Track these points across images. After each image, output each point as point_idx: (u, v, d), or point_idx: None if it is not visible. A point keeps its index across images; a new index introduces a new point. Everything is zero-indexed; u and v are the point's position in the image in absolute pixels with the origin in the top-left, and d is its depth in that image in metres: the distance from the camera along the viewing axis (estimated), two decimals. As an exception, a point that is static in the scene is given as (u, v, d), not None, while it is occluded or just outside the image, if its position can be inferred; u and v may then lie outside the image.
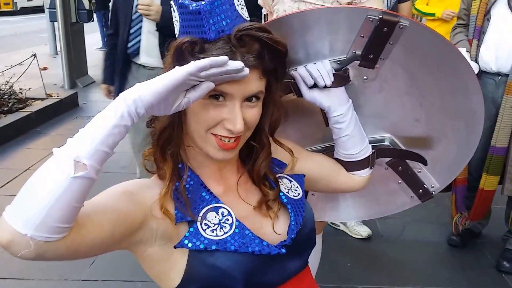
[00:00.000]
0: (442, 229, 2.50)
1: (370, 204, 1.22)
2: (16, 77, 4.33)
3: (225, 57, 0.65)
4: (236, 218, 0.76)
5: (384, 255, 2.34)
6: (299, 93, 0.98)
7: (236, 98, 0.72)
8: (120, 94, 0.64)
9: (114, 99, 1.71)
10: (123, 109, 0.62)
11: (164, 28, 2.02)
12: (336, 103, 0.96)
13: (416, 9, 3.52)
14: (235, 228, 0.75)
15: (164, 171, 0.77)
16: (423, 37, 0.94)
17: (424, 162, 1.10)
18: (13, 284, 2.03)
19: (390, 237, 2.48)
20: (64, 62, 5.21)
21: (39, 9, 11.77)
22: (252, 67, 0.71)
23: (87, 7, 5.29)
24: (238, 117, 0.72)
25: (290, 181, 0.88)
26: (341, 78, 0.97)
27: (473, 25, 2.08)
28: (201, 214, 0.75)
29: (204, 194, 0.78)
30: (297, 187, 0.88)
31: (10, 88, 4.28)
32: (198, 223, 0.74)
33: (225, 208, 0.77)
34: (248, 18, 0.78)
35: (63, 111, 4.56)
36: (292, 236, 0.79)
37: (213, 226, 0.74)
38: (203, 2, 0.72)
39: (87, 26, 5.71)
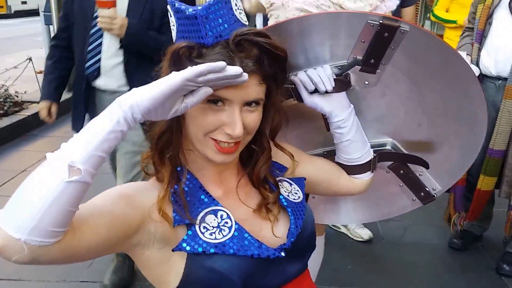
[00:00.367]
0: (443, 231, 2.50)
1: (371, 207, 1.22)
2: (11, 81, 4.30)
3: (222, 63, 0.65)
4: (235, 221, 0.76)
5: (385, 258, 2.33)
6: (300, 99, 0.98)
7: (235, 103, 0.72)
8: (116, 100, 0.63)
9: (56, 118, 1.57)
10: (119, 114, 0.62)
11: (130, 45, 1.73)
12: (337, 108, 0.96)
13: (434, 15, 3.17)
14: (234, 231, 0.75)
15: (162, 174, 0.76)
16: (424, 42, 0.94)
17: (426, 166, 1.10)
18: (9, 285, 2.02)
19: (391, 240, 2.48)
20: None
21: (33, 12, 11.70)
22: (251, 73, 0.71)
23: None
24: (237, 122, 0.71)
25: (291, 184, 0.87)
26: (342, 83, 0.97)
27: (476, 29, 2.10)
28: (199, 217, 0.75)
29: (203, 197, 0.77)
30: (297, 190, 0.88)
31: (5, 91, 4.24)
32: (197, 226, 0.74)
33: (224, 211, 0.76)
34: (247, 23, 0.77)
35: (60, 114, 4.48)
36: (292, 239, 0.79)
37: (212, 229, 0.74)
38: (199, 7, 0.71)
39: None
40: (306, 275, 0.87)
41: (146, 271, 0.78)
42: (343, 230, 2.50)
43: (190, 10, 0.71)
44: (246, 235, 0.75)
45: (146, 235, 0.73)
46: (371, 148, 1.04)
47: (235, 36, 0.71)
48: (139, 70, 1.74)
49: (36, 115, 4.26)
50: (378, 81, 1.00)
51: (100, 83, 1.83)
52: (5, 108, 4.07)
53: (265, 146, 0.82)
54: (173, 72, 0.64)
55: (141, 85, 0.65)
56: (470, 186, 2.17)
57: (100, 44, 1.77)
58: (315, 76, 0.94)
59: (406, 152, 1.11)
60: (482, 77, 2.10)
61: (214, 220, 0.75)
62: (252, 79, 0.71)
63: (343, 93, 0.97)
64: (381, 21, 0.90)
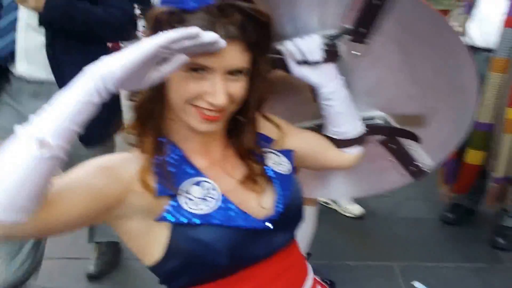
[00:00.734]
0: (435, 206, 2.49)
1: (362, 182, 1.21)
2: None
3: (195, 29, 0.60)
4: (221, 193, 0.75)
5: (376, 233, 2.33)
6: (287, 69, 0.95)
7: (217, 71, 0.69)
8: (84, 70, 0.60)
9: None
10: (90, 85, 0.58)
11: (51, 22, 1.35)
12: (325, 79, 0.94)
13: None
14: (220, 202, 0.74)
15: (145, 145, 0.75)
16: (416, 10, 0.91)
17: (417, 140, 1.08)
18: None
19: (382, 215, 2.47)
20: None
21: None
22: (234, 39, 0.68)
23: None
24: (219, 91, 0.69)
25: (278, 156, 0.86)
26: (331, 53, 0.94)
27: None
28: (184, 188, 0.73)
29: (187, 168, 0.76)
30: (286, 162, 0.86)
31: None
32: (181, 197, 0.72)
33: (209, 182, 0.75)
34: None
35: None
36: (279, 210, 0.78)
37: (197, 200, 0.73)
38: None
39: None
40: (294, 247, 0.86)
41: (130, 243, 0.77)
42: (333, 206, 2.49)
43: None
44: (231, 206, 0.74)
45: (128, 207, 0.72)
46: (361, 120, 1.02)
47: (218, 0, 0.68)
48: (67, 55, 1.38)
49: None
50: (368, 52, 0.98)
51: (20, 69, 1.41)
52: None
53: (251, 116, 0.80)
54: (145, 39, 0.61)
55: (71, 75, 0.59)
56: (459, 159, 2.14)
57: (15, 20, 1.37)
58: (303, 46, 0.91)
59: (397, 125, 1.09)
60: (471, 49, 2.04)
61: (199, 191, 0.74)
62: (234, 46, 0.69)
63: (332, 64, 0.95)
64: None
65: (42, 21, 1.35)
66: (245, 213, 0.75)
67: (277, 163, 0.84)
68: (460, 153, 2.14)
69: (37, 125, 0.57)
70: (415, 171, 1.13)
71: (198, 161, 0.78)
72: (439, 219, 2.42)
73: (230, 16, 0.68)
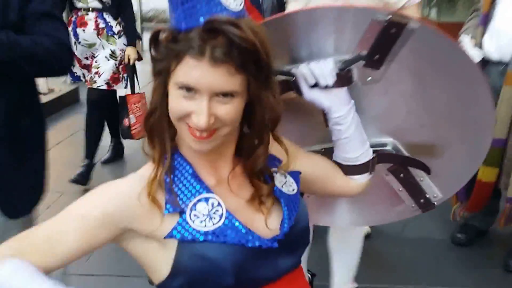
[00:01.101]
0: (445, 226, 2.43)
1: (367, 211, 1.19)
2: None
3: None
4: (226, 210, 0.75)
5: (384, 253, 2.29)
6: (299, 92, 0.95)
7: (203, 93, 0.69)
8: None
9: None
10: None
11: None
12: (337, 104, 0.94)
13: None
14: (224, 219, 0.74)
15: (155, 158, 0.76)
16: (433, 41, 0.90)
17: (427, 171, 1.07)
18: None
19: (390, 235, 2.41)
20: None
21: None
22: (221, 62, 0.68)
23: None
24: (203, 113, 0.69)
25: (285, 177, 0.85)
26: (344, 78, 0.94)
27: (481, 10, 2.02)
28: (190, 204, 0.74)
29: (195, 183, 0.76)
30: (292, 182, 0.86)
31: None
32: (187, 214, 0.73)
33: (215, 199, 0.75)
34: (238, 7, 0.72)
35: (64, 106, 4.55)
36: (285, 231, 0.77)
37: (202, 217, 0.73)
38: None
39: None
40: (299, 272, 0.85)
41: (138, 260, 0.78)
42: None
43: None
44: (237, 223, 0.74)
45: (130, 234, 0.74)
46: (371, 147, 1.00)
47: (205, 23, 0.68)
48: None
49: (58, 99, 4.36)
50: (382, 78, 0.97)
51: None
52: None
53: (264, 138, 0.80)
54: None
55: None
56: (474, 175, 2.06)
57: None
58: (316, 70, 0.92)
59: (407, 154, 1.07)
60: (486, 62, 2.02)
61: (205, 208, 0.74)
62: (222, 69, 0.68)
63: (344, 89, 0.95)
64: (388, 18, 0.88)
65: None
66: (251, 231, 0.75)
67: (284, 184, 0.84)
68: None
69: None
70: (424, 203, 1.10)
71: (206, 178, 0.78)
72: (449, 239, 2.35)
73: (216, 39, 0.68)
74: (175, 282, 0.74)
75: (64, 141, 3.77)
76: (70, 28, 2.84)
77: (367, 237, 2.34)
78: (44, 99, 4.30)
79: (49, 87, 4.60)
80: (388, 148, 1.08)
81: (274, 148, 0.84)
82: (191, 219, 0.73)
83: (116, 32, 2.93)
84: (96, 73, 2.91)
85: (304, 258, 1.62)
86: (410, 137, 1.06)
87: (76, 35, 2.91)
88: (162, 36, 0.72)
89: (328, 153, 1.04)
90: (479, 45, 2.00)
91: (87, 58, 2.99)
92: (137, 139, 3.01)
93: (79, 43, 2.93)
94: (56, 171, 3.19)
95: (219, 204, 0.75)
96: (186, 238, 0.72)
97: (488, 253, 2.26)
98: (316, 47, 0.94)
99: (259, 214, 0.79)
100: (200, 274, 0.72)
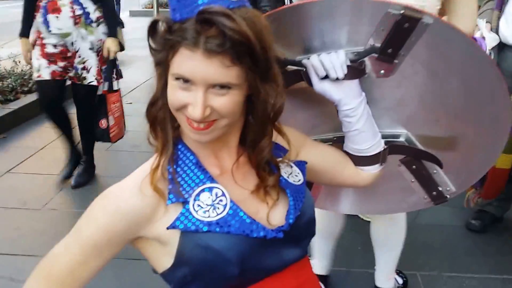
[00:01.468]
0: (460, 213, 2.41)
1: (378, 200, 1.18)
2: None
3: None
4: (230, 199, 0.74)
5: (398, 239, 2.25)
6: (310, 83, 0.94)
7: (198, 84, 0.68)
8: None
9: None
10: None
11: None
12: (347, 96, 0.92)
13: None
14: (229, 209, 0.73)
15: (157, 146, 0.76)
16: (448, 36, 0.89)
17: (440, 164, 1.05)
18: (18, 260, 2.07)
19: (405, 221, 2.39)
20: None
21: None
22: (215, 53, 0.66)
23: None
24: (198, 105, 0.69)
25: (291, 167, 0.84)
26: (356, 70, 0.93)
27: None
28: (194, 194, 0.73)
29: (199, 173, 0.75)
30: (298, 173, 0.84)
31: (30, 68, 4.33)
32: (191, 204, 0.72)
33: (219, 189, 0.74)
34: None
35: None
36: (290, 221, 0.76)
37: (206, 207, 0.72)
38: None
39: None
40: (306, 262, 0.84)
41: (142, 250, 0.78)
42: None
43: None
44: (241, 213, 0.73)
45: (136, 234, 0.75)
46: (384, 137, 0.99)
47: (199, 13, 0.67)
48: None
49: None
50: (395, 72, 0.96)
51: None
52: (29, 85, 4.17)
53: (267, 130, 0.78)
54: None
55: None
56: None
57: None
58: (327, 62, 0.90)
59: (420, 146, 1.06)
60: (502, 46, 1.97)
61: (209, 198, 0.73)
62: (215, 61, 0.67)
63: (356, 81, 0.93)
64: (402, 11, 0.86)
65: None
66: (256, 221, 0.74)
67: (290, 174, 0.83)
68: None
69: None
70: (436, 196, 1.10)
71: (210, 168, 0.77)
72: (464, 226, 2.34)
73: (210, 30, 0.66)
74: (178, 272, 0.74)
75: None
76: (39, 15, 2.45)
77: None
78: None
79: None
80: (401, 139, 1.06)
81: (280, 138, 0.83)
82: (194, 209, 0.72)
83: (94, 19, 2.48)
84: (83, 68, 2.51)
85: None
86: (424, 130, 1.05)
87: (46, 23, 2.43)
88: (157, 25, 0.71)
89: (339, 141, 1.03)
90: (495, 29, 1.95)
91: (55, 46, 2.48)
92: (115, 142, 2.75)
93: (50, 31, 2.44)
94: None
95: (223, 194, 0.74)
96: (190, 229, 0.71)
97: (503, 239, 2.24)
98: (329, 38, 0.93)
99: (264, 204, 0.78)
100: (204, 265, 0.72)
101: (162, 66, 0.72)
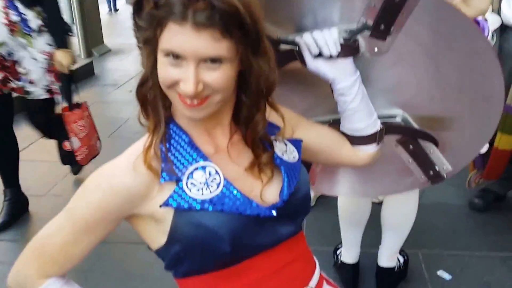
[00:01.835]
0: (464, 192, 2.40)
1: (376, 181, 1.19)
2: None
3: None
4: (224, 178, 0.74)
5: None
6: (304, 62, 0.93)
7: (189, 59, 0.67)
8: None
9: None
10: None
11: None
12: (341, 74, 0.92)
13: None
14: (222, 187, 0.73)
15: (149, 126, 0.76)
16: (439, 11, 0.87)
17: (435, 142, 1.05)
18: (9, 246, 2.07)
19: (408, 201, 2.39)
20: (79, 31, 5.20)
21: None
22: (204, 27, 0.65)
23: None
24: (190, 80, 0.68)
25: (286, 144, 0.84)
26: (349, 48, 0.91)
27: None
28: (187, 173, 0.73)
29: (192, 152, 0.75)
30: (293, 150, 0.84)
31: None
32: (184, 182, 0.72)
33: (213, 167, 0.74)
34: None
35: (79, 79, 4.57)
36: (284, 199, 0.76)
37: (199, 186, 0.72)
38: None
39: (100, -5, 5.66)
40: (300, 238, 0.84)
41: (137, 228, 0.79)
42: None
43: None
44: (235, 191, 0.73)
45: (130, 212, 0.76)
46: (380, 118, 0.99)
47: None
48: None
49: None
50: (389, 49, 0.94)
51: None
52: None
53: (260, 105, 0.78)
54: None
55: None
56: (490, 143, 2.03)
57: None
58: (320, 39, 0.89)
59: (416, 126, 1.06)
60: (504, 28, 1.94)
61: (202, 176, 0.73)
62: (205, 34, 0.66)
63: (350, 59, 0.92)
64: None
65: None
66: (249, 199, 0.74)
67: (284, 152, 0.83)
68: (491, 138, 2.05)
69: None
70: (433, 175, 1.10)
71: (204, 147, 0.77)
72: (467, 205, 2.34)
73: (198, 3, 0.65)
74: (171, 249, 0.74)
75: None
76: None
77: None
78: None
79: (64, 61, 4.62)
80: (398, 119, 1.06)
81: (273, 115, 0.82)
82: (187, 187, 0.72)
83: (35, 27, 2.02)
84: (30, 82, 2.08)
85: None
86: (420, 110, 1.04)
87: None
88: (145, 3, 0.69)
89: (336, 123, 1.03)
90: (497, 10, 1.92)
91: None
92: (85, 164, 2.43)
93: None
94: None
95: (216, 172, 0.74)
96: (183, 207, 0.71)
97: (505, 218, 2.24)
98: (321, 15, 0.92)
99: (258, 182, 0.78)
100: (197, 242, 0.72)
101: (151, 44, 0.71)
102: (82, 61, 4.99)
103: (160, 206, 0.72)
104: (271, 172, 0.79)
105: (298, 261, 0.82)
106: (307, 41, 0.90)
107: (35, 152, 3.02)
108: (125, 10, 6.80)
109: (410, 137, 1.06)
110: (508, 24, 1.92)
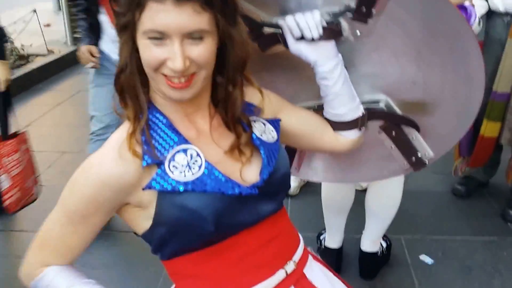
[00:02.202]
0: (446, 178, 2.45)
1: (360, 169, 1.19)
2: (17, 34, 4.27)
3: None
4: (205, 160, 0.75)
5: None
6: (287, 45, 0.93)
7: (173, 36, 0.69)
8: None
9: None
10: None
11: None
12: (323, 57, 0.92)
13: None
14: (204, 169, 0.74)
15: (128, 115, 0.76)
16: None
17: (417, 128, 1.06)
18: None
19: (392, 187, 2.41)
20: (66, 18, 5.09)
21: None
22: (185, 1, 0.67)
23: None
24: (177, 56, 0.69)
25: (264, 125, 0.85)
26: (331, 31, 0.91)
27: None
28: (169, 156, 0.74)
29: (173, 136, 0.76)
30: (271, 130, 0.86)
31: (11, 44, 4.22)
32: (166, 165, 0.73)
33: (194, 150, 0.75)
34: None
35: (65, 67, 4.52)
36: (264, 177, 0.78)
37: (182, 168, 0.73)
38: None
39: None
40: (282, 214, 0.86)
41: (124, 216, 0.80)
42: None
43: None
44: (216, 173, 0.74)
45: (124, 201, 0.77)
46: (364, 104, 0.99)
47: None
48: None
49: (41, 68, 4.29)
50: (371, 32, 0.94)
51: None
52: (11, 61, 4.07)
53: (237, 81, 0.79)
54: None
55: None
56: (476, 131, 2.05)
57: None
58: (302, 22, 0.89)
59: (400, 112, 1.06)
60: (491, 13, 1.94)
61: (184, 159, 0.74)
62: (186, 8, 0.67)
63: (332, 42, 0.92)
64: None
65: None
66: (231, 179, 0.75)
67: (263, 132, 0.84)
68: (476, 125, 2.06)
69: None
70: (415, 161, 1.10)
71: (185, 132, 0.77)
72: (449, 191, 2.38)
73: None
74: (156, 231, 0.76)
75: (65, 102, 3.78)
76: None
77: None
78: (44, 60, 4.34)
79: (49, 48, 4.56)
80: (381, 105, 1.06)
81: (249, 95, 0.84)
82: (170, 170, 0.73)
83: None
84: None
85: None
86: (403, 95, 1.04)
87: None
88: None
89: (321, 109, 1.02)
90: None
91: None
92: (14, 212, 1.88)
93: None
94: (58, 131, 3.23)
95: (198, 155, 0.75)
96: (166, 189, 0.72)
97: (487, 203, 2.29)
98: None
99: (239, 163, 0.79)
100: (180, 224, 0.73)
101: (129, 29, 0.71)
102: (68, 48, 4.92)
103: (143, 188, 0.72)
104: (251, 152, 0.80)
105: (281, 237, 0.84)
106: (289, 24, 0.90)
107: (19, 140, 2.98)
108: None
109: (392, 123, 1.06)
110: (494, 9, 1.92)
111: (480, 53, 0.93)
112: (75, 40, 5.17)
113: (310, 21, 0.89)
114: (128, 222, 0.80)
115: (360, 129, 0.98)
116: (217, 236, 0.76)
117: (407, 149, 1.09)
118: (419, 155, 1.09)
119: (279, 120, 0.88)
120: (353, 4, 0.90)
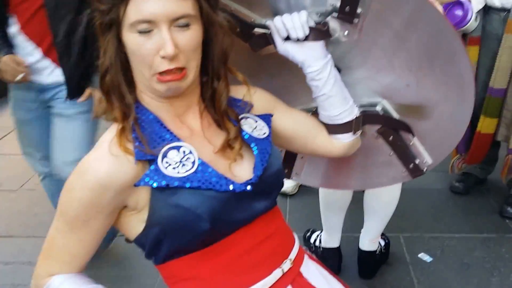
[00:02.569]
0: (444, 176, 2.43)
1: (359, 176, 1.17)
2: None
3: None
4: (198, 157, 0.75)
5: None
6: (275, 46, 0.93)
7: (161, 23, 0.70)
8: None
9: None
10: None
11: None
12: (310, 58, 0.91)
13: None
14: (197, 166, 0.74)
15: (115, 116, 0.76)
16: None
17: (411, 132, 1.05)
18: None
19: (391, 185, 2.40)
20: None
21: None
22: None
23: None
24: (167, 40, 0.70)
25: (256, 121, 0.85)
26: (318, 31, 0.90)
27: None
28: (161, 152, 0.74)
29: (163, 134, 0.76)
30: (263, 126, 0.86)
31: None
32: (159, 161, 0.73)
33: (186, 147, 0.75)
34: None
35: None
36: (258, 173, 0.78)
37: (174, 164, 0.73)
38: None
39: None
40: (276, 212, 0.86)
41: (118, 222, 0.79)
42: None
43: None
44: (210, 169, 0.74)
45: (124, 203, 0.76)
46: (362, 107, 0.98)
47: None
48: None
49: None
50: (358, 32, 0.93)
51: None
52: None
53: (221, 73, 0.81)
54: None
55: None
56: (473, 127, 2.04)
57: None
58: (288, 22, 0.89)
59: (396, 115, 1.04)
60: (488, 9, 1.92)
61: (177, 155, 0.74)
62: None
63: (320, 43, 0.91)
64: None
65: None
66: (224, 176, 0.75)
67: (255, 129, 0.84)
68: (473, 121, 2.05)
69: None
70: (413, 168, 1.09)
71: (178, 131, 0.77)
72: (447, 189, 2.36)
73: None
74: (150, 233, 0.75)
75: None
76: None
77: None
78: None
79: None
80: (378, 108, 1.04)
81: (233, 91, 0.84)
82: (163, 166, 0.72)
83: None
84: None
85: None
86: (399, 98, 1.03)
87: None
88: None
89: (315, 111, 1.01)
90: None
91: None
92: None
93: None
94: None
95: (190, 152, 0.74)
96: (160, 184, 0.71)
97: (486, 200, 2.27)
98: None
99: (231, 159, 0.79)
100: (175, 222, 0.72)
101: (113, 27, 0.72)
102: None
103: (135, 185, 0.71)
104: (239, 149, 0.80)
105: (276, 235, 0.83)
106: (277, 24, 0.90)
107: (6, 146, 2.93)
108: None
109: (389, 127, 1.05)
110: (491, 5, 1.90)
111: (465, 51, 0.92)
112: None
113: (296, 22, 0.89)
114: (121, 227, 0.79)
115: (354, 133, 0.96)
116: (213, 235, 0.75)
117: (405, 155, 1.08)
118: (417, 162, 1.08)
119: (271, 115, 0.88)
120: (337, 4, 0.90)
